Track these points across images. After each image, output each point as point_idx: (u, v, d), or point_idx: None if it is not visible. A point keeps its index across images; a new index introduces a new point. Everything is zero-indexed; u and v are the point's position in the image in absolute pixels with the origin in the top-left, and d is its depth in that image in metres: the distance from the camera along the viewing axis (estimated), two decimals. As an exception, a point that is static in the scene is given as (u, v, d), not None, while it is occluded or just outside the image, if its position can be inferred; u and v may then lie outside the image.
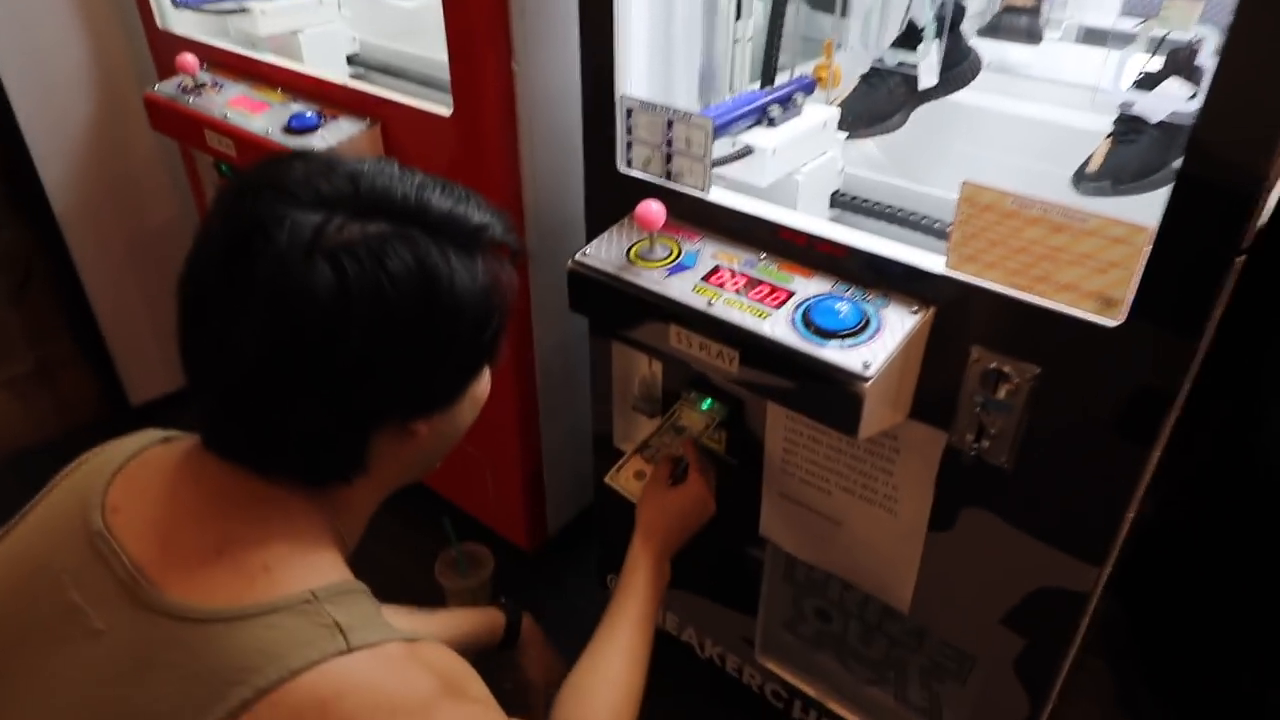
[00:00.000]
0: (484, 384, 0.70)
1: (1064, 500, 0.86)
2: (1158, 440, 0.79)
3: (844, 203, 1.18)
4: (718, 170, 1.03)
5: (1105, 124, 1.13)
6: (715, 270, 0.94)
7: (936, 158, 1.38)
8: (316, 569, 0.61)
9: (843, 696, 1.28)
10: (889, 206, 1.16)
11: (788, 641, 1.33)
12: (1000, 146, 1.35)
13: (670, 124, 0.99)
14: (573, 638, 0.92)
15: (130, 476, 0.63)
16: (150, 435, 0.68)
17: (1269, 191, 0.69)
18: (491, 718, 0.62)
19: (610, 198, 1.08)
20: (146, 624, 0.56)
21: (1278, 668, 1.28)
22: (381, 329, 0.57)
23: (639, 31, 1.06)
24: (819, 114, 1.14)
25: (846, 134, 1.19)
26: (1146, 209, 0.73)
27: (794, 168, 1.11)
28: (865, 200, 1.18)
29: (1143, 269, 0.73)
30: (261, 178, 0.59)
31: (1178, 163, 0.69)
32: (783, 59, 1.20)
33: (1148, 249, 0.72)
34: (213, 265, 0.57)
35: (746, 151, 1.07)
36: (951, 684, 1.14)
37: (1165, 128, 1.07)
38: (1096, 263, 0.76)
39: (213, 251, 0.57)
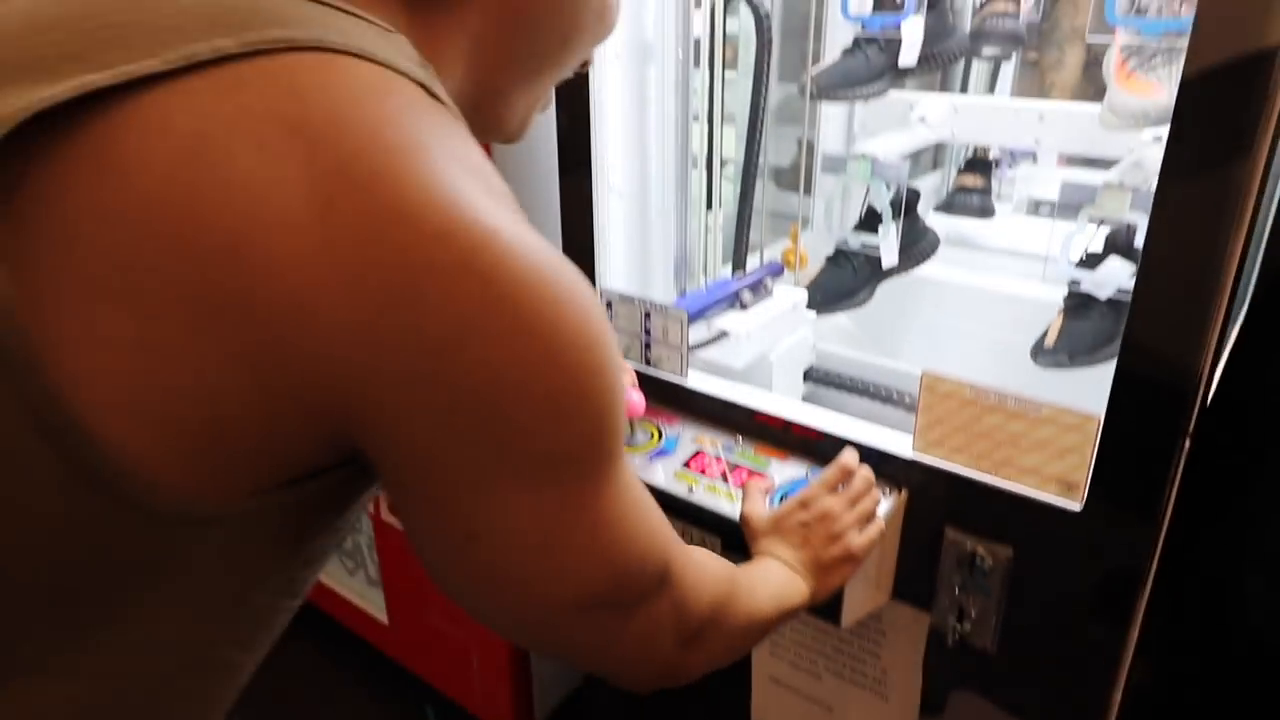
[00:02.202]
0: None
1: (1050, 681, 0.86)
2: (1132, 620, 0.80)
3: (817, 378, 1.24)
4: (696, 352, 1.09)
5: (1059, 294, 1.20)
6: (695, 455, 0.98)
7: (904, 329, 1.46)
8: None
9: None
10: (861, 381, 1.21)
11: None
12: (963, 317, 1.43)
13: (648, 315, 1.05)
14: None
15: None
16: None
17: (1207, 381, 0.73)
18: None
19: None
20: None
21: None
22: None
23: (617, 226, 1.15)
24: (788, 296, 1.22)
25: (816, 312, 1.26)
26: (1104, 381, 0.76)
27: (767, 348, 1.17)
28: (838, 375, 1.23)
29: (1095, 455, 0.77)
30: None
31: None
32: (754, 235, 1.29)
33: (1098, 436, 0.76)
34: None
35: (721, 336, 1.13)
36: None
37: (1113, 303, 1.14)
38: (1054, 448, 0.80)
39: None
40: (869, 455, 0.90)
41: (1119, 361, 0.73)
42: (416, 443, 0.40)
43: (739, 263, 1.28)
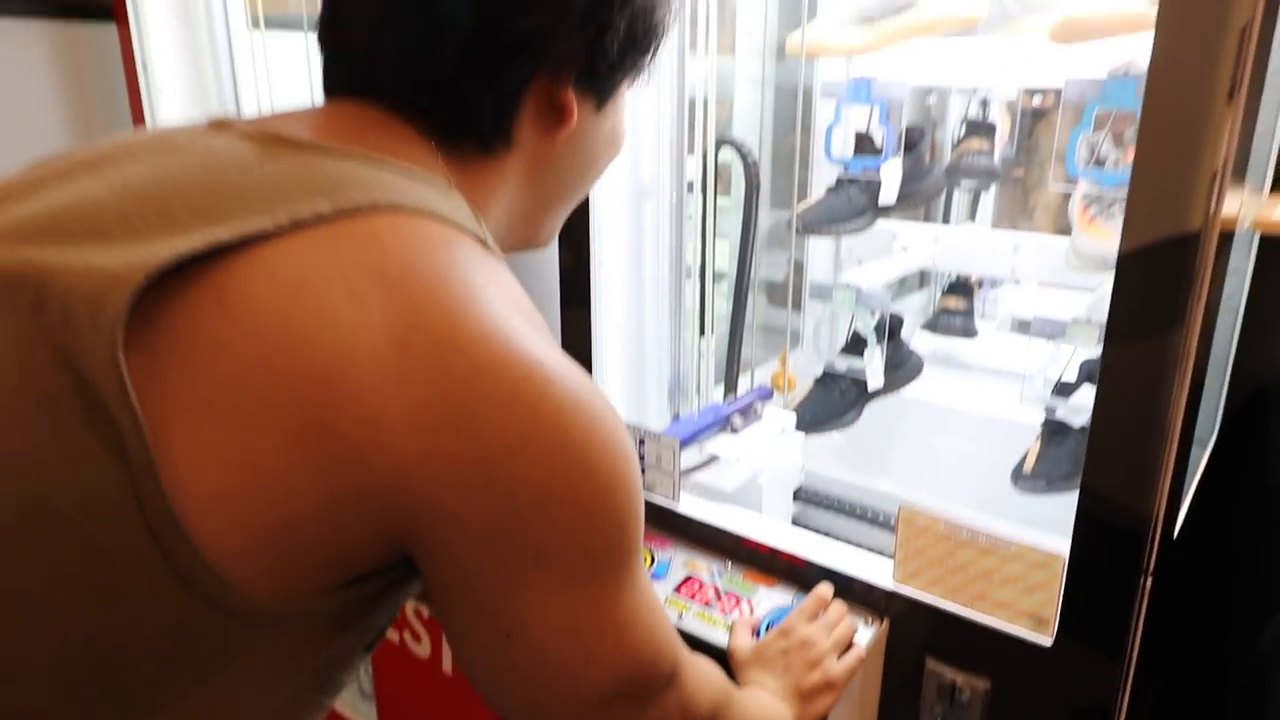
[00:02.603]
0: (623, 122, 0.66)
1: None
2: (1107, 755, 0.82)
3: (806, 498, 1.28)
4: (689, 476, 1.13)
5: (1040, 415, 1.25)
6: (686, 580, 1.01)
7: (891, 448, 1.51)
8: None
9: None
10: (848, 503, 1.25)
11: None
12: (949, 436, 1.48)
13: (642, 441, 1.11)
14: None
15: (251, 121, 0.55)
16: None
17: (1168, 520, 0.78)
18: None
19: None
20: (273, 145, 0.50)
21: None
22: None
23: (614, 356, 1.21)
24: (778, 419, 1.27)
25: (805, 433, 1.32)
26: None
27: (757, 471, 1.21)
28: (826, 496, 1.28)
29: (1062, 592, 0.81)
30: None
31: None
32: (746, 351, 1.35)
33: (1064, 574, 0.80)
34: None
35: (712, 460, 1.18)
36: None
37: (1088, 431, 1.19)
38: (1024, 584, 0.84)
39: None
40: (852, 584, 0.94)
41: (1079, 504, 0.78)
42: (465, 546, 0.47)
43: (730, 385, 1.34)
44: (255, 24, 1.72)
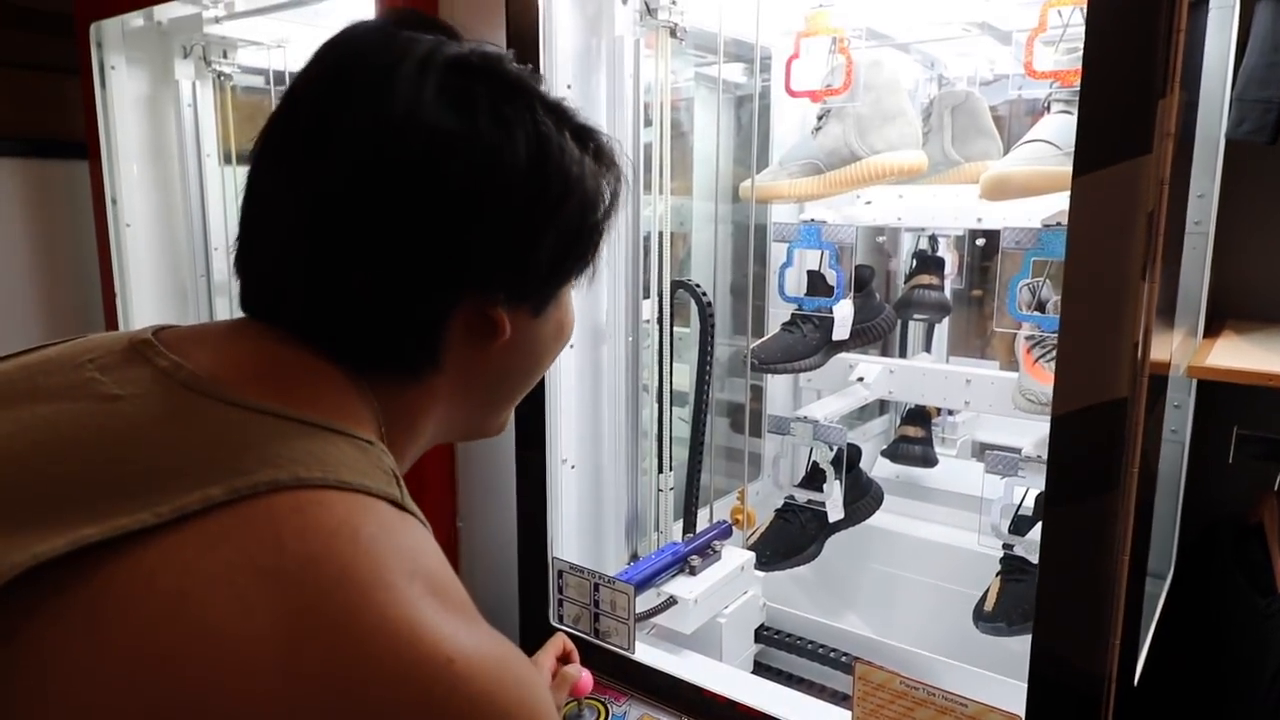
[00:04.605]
0: (569, 314, 0.63)
1: None
2: None
3: (768, 639, 1.25)
4: (647, 620, 1.11)
5: (999, 548, 1.24)
6: (640, 738, 0.98)
7: (855, 581, 1.49)
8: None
9: None
10: (811, 643, 1.23)
11: None
12: (911, 568, 1.47)
13: (597, 587, 1.09)
14: None
15: (174, 333, 0.53)
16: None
17: (1119, 679, 0.77)
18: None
19: (544, 648, 1.14)
20: (180, 395, 0.46)
21: None
22: (489, 164, 0.50)
23: (570, 496, 1.20)
24: (737, 557, 1.25)
25: (764, 571, 1.30)
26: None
27: (716, 611, 1.19)
28: (789, 635, 1.25)
29: (1022, 758, 0.79)
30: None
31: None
32: (705, 478, 1.33)
33: (1023, 737, 0.79)
34: (305, 91, 0.53)
35: (671, 603, 1.16)
36: None
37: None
38: (983, 747, 0.82)
39: (308, 77, 0.53)
40: (810, 742, 0.91)
41: (1031, 665, 0.77)
42: None
43: (690, 523, 1.33)
44: (228, 159, 1.77)
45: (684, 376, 1.48)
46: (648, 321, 1.26)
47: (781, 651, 1.25)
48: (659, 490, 1.34)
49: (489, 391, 0.60)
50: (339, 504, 0.44)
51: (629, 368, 1.24)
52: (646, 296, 1.23)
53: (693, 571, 1.20)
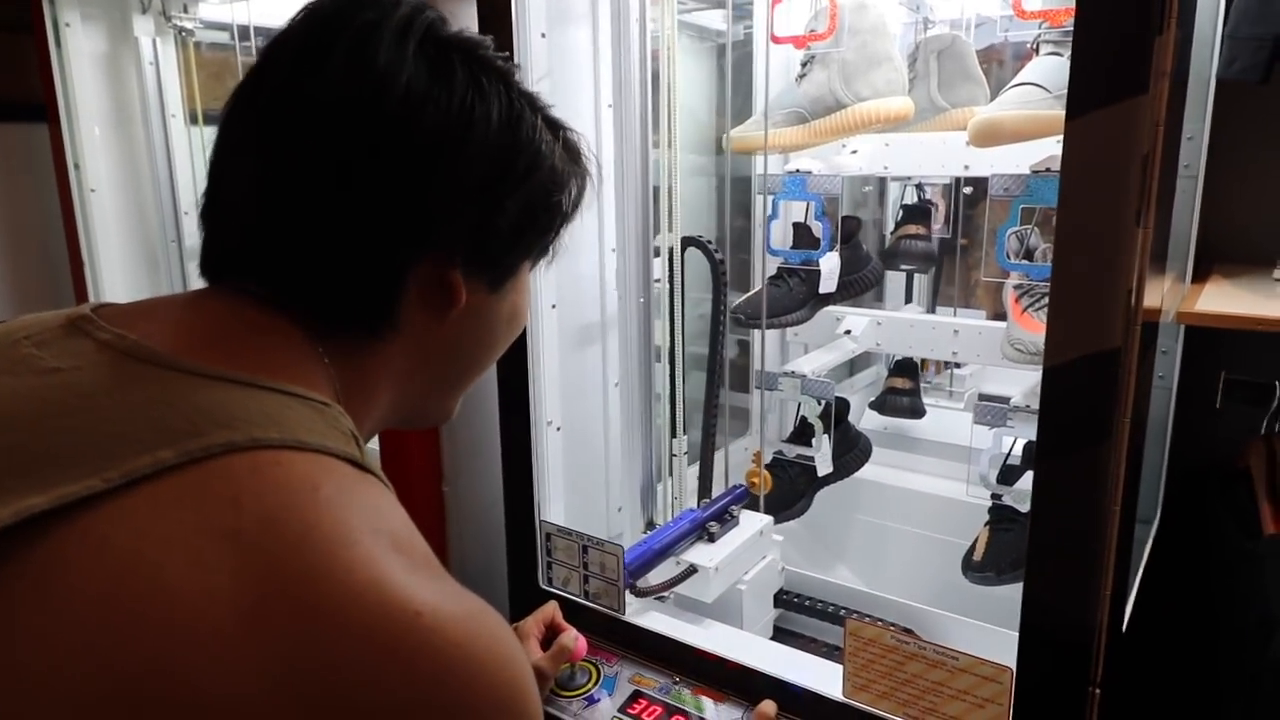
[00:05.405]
0: (525, 301, 0.64)
1: None
2: None
3: (787, 603, 1.22)
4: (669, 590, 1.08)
5: (988, 497, 1.24)
6: (632, 699, 0.98)
7: (845, 530, 1.49)
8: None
9: None
10: (831, 604, 1.20)
11: None
12: (900, 519, 1.47)
13: (585, 549, 1.08)
14: None
15: (116, 309, 0.51)
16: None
17: (1109, 628, 0.77)
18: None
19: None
20: (125, 365, 0.45)
21: None
22: (461, 123, 0.51)
23: (555, 456, 1.18)
24: (755, 522, 1.20)
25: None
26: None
27: (736, 578, 1.15)
28: (810, 599, 1.22)
29: (1012, 707, 0.79)
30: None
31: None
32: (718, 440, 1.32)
33: (1013, 687, 0.79)
34: (283, 45, 0.52)
35: (691, 571, 1.11)
36: None
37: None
38: (974, 699, 0.82)
39: (286, 34, 0.53)
40: (801, 697, 0.92)
41: (1022, 617, 0.77)
42: None
43: (705, 492, 1.31)
44: (194, 120, 1.71)
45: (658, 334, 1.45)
46: (658, 281, 1.23)
47: (805, 617, 1.22)
48: (673, 455, 1.31)
49: (443, 365, 0.60)
50: (298, 463, 0.43)
51: (640, 329, 1.21)
52: (656, 255, 1.20)
53: (711, 539, 1.14)
